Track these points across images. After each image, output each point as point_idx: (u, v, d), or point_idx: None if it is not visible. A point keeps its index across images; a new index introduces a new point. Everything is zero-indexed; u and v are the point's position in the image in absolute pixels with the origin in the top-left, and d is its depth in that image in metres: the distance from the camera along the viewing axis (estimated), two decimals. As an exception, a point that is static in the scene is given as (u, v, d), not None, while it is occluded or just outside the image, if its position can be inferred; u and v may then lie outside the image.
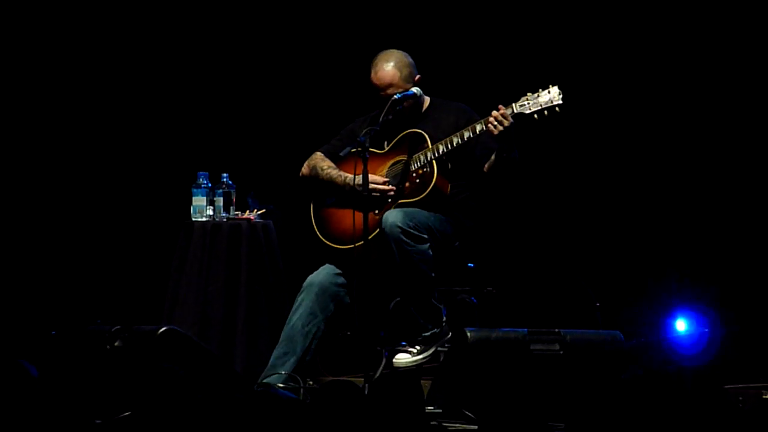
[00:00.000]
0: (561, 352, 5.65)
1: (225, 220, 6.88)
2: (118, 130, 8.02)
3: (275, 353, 6.16)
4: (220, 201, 6.91)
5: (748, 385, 6.13)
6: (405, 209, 6.07)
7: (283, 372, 6.06)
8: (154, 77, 8.03)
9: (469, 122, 6.13)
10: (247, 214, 6.91)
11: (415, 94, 6.19)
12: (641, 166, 7.59)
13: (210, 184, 6.91)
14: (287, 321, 6.19)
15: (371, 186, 6.04)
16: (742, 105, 7.44)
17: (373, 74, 6.24)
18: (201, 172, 6.90)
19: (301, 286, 6.22)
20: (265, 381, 6.04)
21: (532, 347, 5.66)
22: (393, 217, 6.00)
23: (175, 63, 8.04)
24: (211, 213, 6.88)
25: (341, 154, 6.10)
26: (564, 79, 6.03)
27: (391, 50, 6.29)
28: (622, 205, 7.62)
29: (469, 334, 5.66)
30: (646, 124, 7.60)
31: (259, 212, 6.93)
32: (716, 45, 7.44)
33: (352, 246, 6.07)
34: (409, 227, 5.97)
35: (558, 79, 5.99)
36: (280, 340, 6.18)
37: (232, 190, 6.94)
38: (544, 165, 7.59)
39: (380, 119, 6.09)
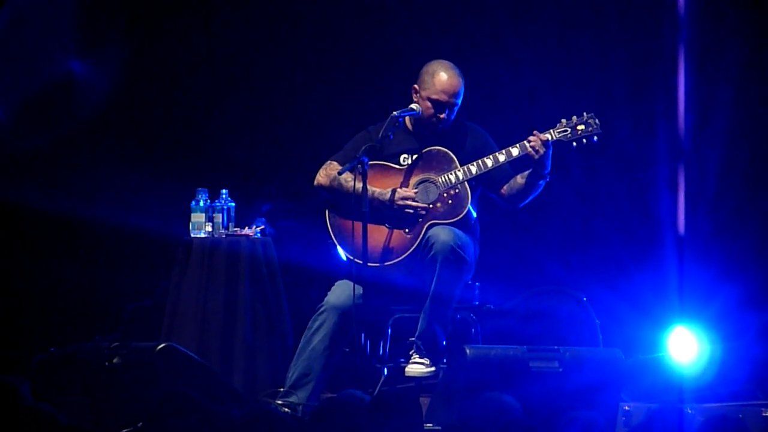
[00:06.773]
0: (560, 370, 5.65)
1: (224, 236, 6.87)
2: (119, 146, 8.01)
3: (296, 373, 6.09)
4: (219, 217, 6.90)
5: (749, 402, 6.13)
6: (452, 228, 6.05)
7: (303, 395, 6.03)
8: (154, 94, 8.03)
9: (485, 144, 6.14)
10: (246, 231, 6.90)
11: (416, 111, 6.16)
12: (643, 179, 7.59)
13: (209, 201, 6.90)
14: (306, 340, 6.12)
15: (405, 202, 6.05)
16: None
17: (446, 80, 6.11)
18: (200, 189, 6.89)
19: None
20: (279, 400, 6.02)
21: (531, 364, 5.65)
22: (445, 235, 5.99)
23: (175, 80, 8.04)
24: (210, 229, 6.88)
25: (339, 172, 6.07)
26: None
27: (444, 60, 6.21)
28: (623, 220, 7.61)
29: (468, 350, 5.65)
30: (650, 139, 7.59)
31: (258, 228, 6.92)
32: None
33: (390, 263, 6.06)
34: (458, 247, 5.97)
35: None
36: (299, 359, 6.11)
37: (231, 207, 6.93)
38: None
39: (380, 135, 6.08)
